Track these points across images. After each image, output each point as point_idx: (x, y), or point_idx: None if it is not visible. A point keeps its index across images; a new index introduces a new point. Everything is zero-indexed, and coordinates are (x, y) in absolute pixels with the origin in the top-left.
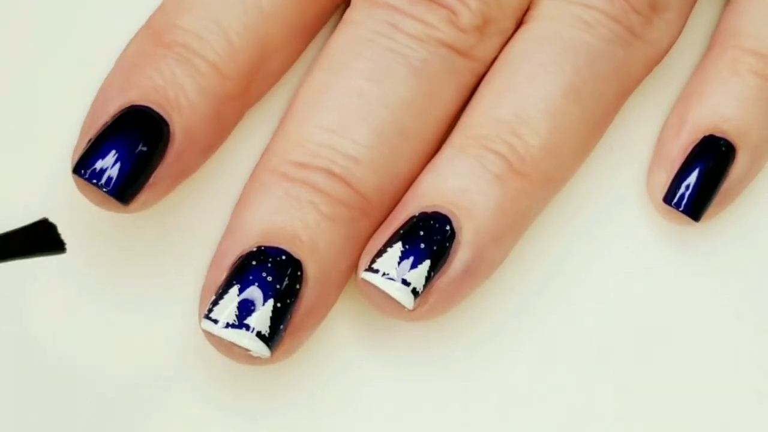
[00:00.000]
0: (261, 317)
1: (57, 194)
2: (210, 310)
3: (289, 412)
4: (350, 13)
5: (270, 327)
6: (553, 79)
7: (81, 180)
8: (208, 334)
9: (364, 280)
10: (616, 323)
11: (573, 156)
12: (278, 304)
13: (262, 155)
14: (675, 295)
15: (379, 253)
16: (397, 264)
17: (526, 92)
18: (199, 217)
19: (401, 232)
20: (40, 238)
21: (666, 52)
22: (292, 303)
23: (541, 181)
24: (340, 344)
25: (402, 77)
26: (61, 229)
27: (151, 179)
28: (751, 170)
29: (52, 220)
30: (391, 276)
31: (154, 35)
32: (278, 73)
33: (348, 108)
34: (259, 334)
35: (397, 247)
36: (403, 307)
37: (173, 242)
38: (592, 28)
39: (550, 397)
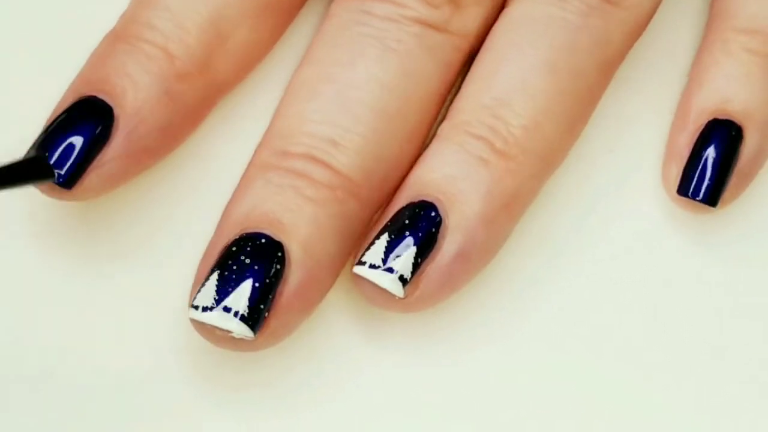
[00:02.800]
0: (239, 298)
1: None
2: (194, 299)
3: (286, 404)
4: (329, 8)
5: (249, 307)
6: (528, 58)
7: None
8: (195, 323)
9: (355, 274)
10: (620, 315)
11: (559, 133)
12: (257, 284)
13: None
14: (680, 289)
15: (368, 247)
16: (383, 254)
17: (504, 75)
18: (197, 219)
19: (388, 224)
20: (32, 170)
21: (649, 16)
22: (274, 284)
23: (527, 161)
24: (339, 338)
25: (376, 58)
26: (54, 228)
27: (96, 161)
28: (764, 146)
29: (46, 219)
30: (377, 265)
31: (111, 34)
32: (246, 52)
33: (325, 95)
34: (237, 314)
35: (384, 238)
36: (394, 296)
37: (172, 243)
38: (566, 3)
39: (555, 382)
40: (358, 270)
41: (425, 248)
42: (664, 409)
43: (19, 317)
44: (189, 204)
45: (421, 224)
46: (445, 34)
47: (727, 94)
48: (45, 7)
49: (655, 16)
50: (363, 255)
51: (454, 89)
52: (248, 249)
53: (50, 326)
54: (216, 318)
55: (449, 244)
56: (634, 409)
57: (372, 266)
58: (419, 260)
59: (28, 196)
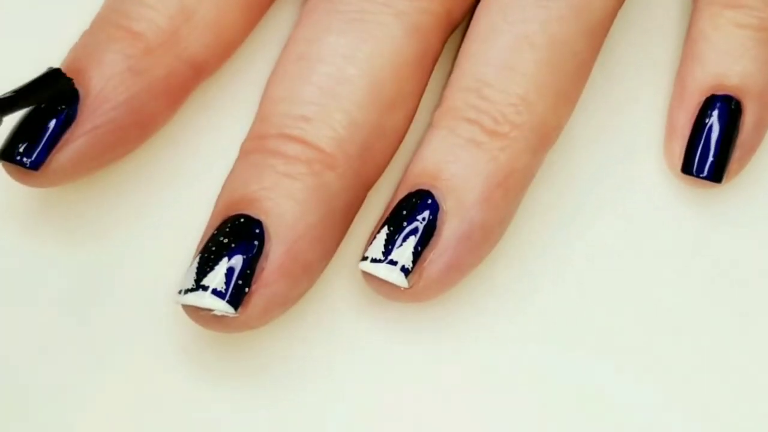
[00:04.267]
0: (215, 276)
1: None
2: (179, 286)
3: (286, 392)
4: None
5: (226, 283)
6: (505, 36)
7: (7, 165)
8: (184, 309)
9: (361, 271)
10: (620, 310)
11: (549, 104)
12: (233, 261)
13: None
14: (680, 282)
15: (370, 242)
16: (383, 247)
17: (483, 55)
18: (194, 212)
19: (388, 216)
20: (51, 82)
21: None
22: (253, 260)
23: (519, 136)
24: (341, 327)
25: (340, 31)
26: (53, 227)
27: (62, 140)
28: (764, 118)
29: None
30: (379, 259)
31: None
32: (215, 28)
33: (295, 74)
34: (215, 292)
35: (384, 231)
36: (399, 286)
37: (175, 237)
38: None
39: (556, 374)
40: (363, 266)
41: (425, 236)
42: (664, 401)
43: (9, 311)
44: (189, 199)
45: (418, 213)
46: (413, 0)
47: (721, 69)
48: (41, 9)
49: (653, 9)
50: (366, 250)
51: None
52: (227, 230)
53: (39, 319)
54: (193, 297)
55: (448, 229)
56: (636, 404)
57: (374, 260)
58: (420, 249)
59: (13, 190)
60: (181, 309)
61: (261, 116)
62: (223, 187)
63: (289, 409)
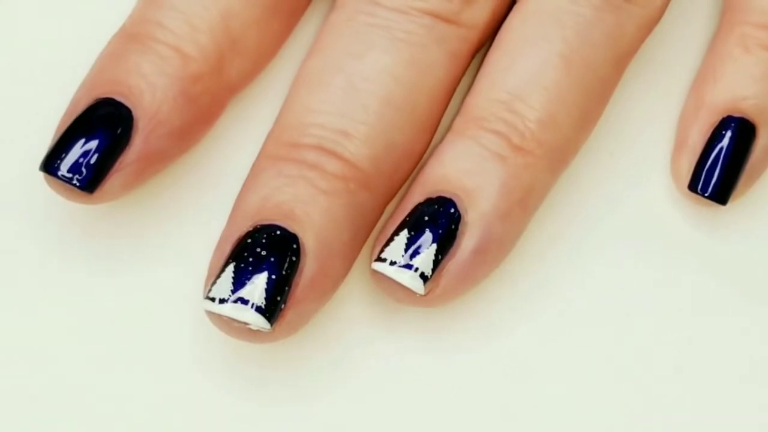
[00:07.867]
0: (255, 290)
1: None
2: (209, 291)
3: (299, 394)
4: None
5: (266, 299)
6: (541, 52)
7: (49, 177)
8: (210, 315)
9: (375, 271)
10: (628, 322)
11: (574, 126)
12: (273, 276)
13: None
14: (688, 297)
15: (387, 243)
16: (403, 251)
17: (517, 69)
18: (206, 212)
19: (407, 219)
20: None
21: (661, 11)
22: (290, 276)
23: (543, 154)
24: (353, 328)
25: (384, 49)
26: (65, 227)
27: (117, 165)
28: None
29: (54, 219)
30: (398, 263)
31: (122, 34)
32: (256, 53)
33: (333, 86)
34: (254, 306)
35: (404, 235)
36: (415, 293)
37: (180, 238)
38: None
39: (563, 379)
40: (378, 267)
41: (445, 244)
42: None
43: (30, 317)
44: (196, 198)
45: (440, 220)
46: (454, 26)
47: (742, 92)
48: (48, 8)
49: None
50: (382, 251)
51: (464, 83)
52: (263, 241)
53: (61, 324)
54: (232, 310)
55: (468, 240)
56: (642, 407)
57: (392, 263)
58: (440, 257)
59: (37, 196)
60: (184, 313)
61: (292, 123)
62: (250, 189)
63: (295, 412)
